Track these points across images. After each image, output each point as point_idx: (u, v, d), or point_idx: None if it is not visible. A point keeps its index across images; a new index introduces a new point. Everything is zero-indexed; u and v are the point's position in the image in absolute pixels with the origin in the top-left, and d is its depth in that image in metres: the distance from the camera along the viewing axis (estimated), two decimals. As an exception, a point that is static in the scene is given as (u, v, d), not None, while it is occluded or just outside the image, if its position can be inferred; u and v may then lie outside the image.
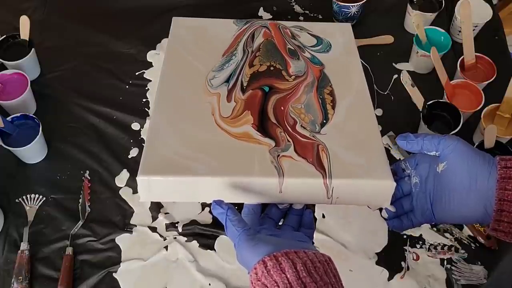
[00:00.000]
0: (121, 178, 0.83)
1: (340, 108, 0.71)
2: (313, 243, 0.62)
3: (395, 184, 0.62)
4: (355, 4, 0.98)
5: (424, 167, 0.62)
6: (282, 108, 0.70)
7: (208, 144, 0.64)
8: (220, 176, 0.61)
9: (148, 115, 0.89)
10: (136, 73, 0.95)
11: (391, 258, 0.76)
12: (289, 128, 0.68)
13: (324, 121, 0.69)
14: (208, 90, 0.72)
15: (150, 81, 0.94)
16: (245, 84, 0.74)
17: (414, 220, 0.63)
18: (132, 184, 0.82)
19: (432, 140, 0.60)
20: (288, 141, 0.66)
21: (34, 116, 0.81)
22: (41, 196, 0.80)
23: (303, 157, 0.64)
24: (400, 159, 0.86)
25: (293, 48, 0.81)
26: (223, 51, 0.79)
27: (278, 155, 0.64)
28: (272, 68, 0.77)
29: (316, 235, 0.76)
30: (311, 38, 0.83)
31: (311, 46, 0.81)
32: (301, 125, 0.68)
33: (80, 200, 0.80)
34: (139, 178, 0.61)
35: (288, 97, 0.72)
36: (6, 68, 0.89)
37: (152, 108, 0.69)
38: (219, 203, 0.57)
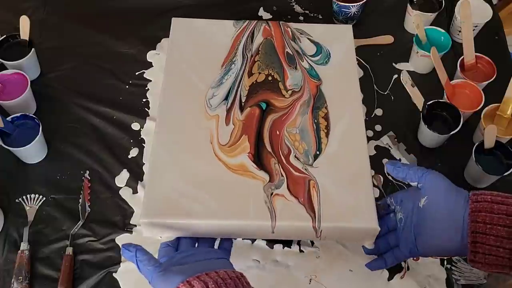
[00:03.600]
0: (121, 178, 0.83)
1: (334, 136, 0.74)
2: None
3: (379, 228, 0.66)
4: (355, 4, 0.98)
5: (408, 203, 0.66)
6: (277, 132, 0.73)
7: (207, 179, 0.68)
8: (217, 219, 0.65)
9: (148, 115, 0.89)
10: (136, 73, 0.95)
11: (391, 258, 0.76)
12: (283, 159, 0.71)
13: (318, 152, 0.72)
14: (207, 113, 0.75)
15: (150, 81, 0.94)
16: (243, 100, 0.76)
17: (399, 254, 0.67)
18: (132, 184, 0.82)
19: (417, 172, 0.64)
20: (282, 175, 0.69)
21: (34, 116, 0.81)
22: (41, 196, 0.80)
23: (295, 196, 0.67)
24: (400, 159, 0.86)
25: (291, 53, 0.81)
26: (222, 59, 0.81)
27: (272, 193, 0.67)
28: (270, 78, 0.79)
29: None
30: (311, 45, 0.83)
31: (310, 56, 0.82)
32: (295, 156, 0.71)
33: (80, 200, 0.80)
34: (142, 221, 0.65)
35: (284, 118, 0.75)
36: (6, 68, 0.89)
37: (153, 136, 0.73)
38: (127, 246, 0.60)
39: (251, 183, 0.68)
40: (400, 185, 0.83)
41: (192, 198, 0.66)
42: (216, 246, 0.69)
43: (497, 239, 0.57)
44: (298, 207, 0.66)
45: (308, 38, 0.84)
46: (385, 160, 0.85)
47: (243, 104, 0.76)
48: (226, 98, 0.76)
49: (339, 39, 0.84)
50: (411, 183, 0.66)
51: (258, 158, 0.71)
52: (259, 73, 0.79)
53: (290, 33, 0.85)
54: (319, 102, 0.77)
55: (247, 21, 0.86)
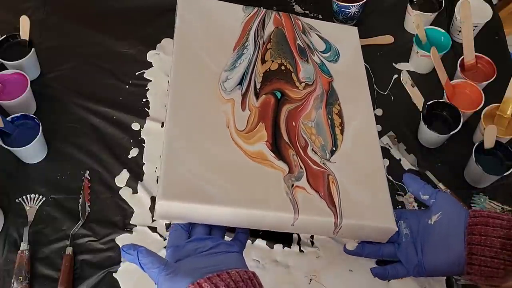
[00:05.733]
0: (121, 178, 0.83)
1: (348, 134, 0.73)
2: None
3: (396, 229, 0.65)
4: (355, 4, 0.98)
5: (414, 220, 0.66)
6: (293, 123, 0.71)
7: (225, 164, 0.64)
8: (237, 207, 0.61)
9: (148, 115, 0.89)
10: (136, 73, 0.95)
11: (391, 258, 0.76)
12: (301, 151, 0.69)
13: (334, 149, 0.70)
14: (222, 96, 0.71)
15: (150, 81, 0.94)
16: (258, 86, 0.74)
17: (402, 271, 0.66)
18: (132, 184, 0.82)
19: (430, 188, 0.66)
20: (301, 167, 0.67)
21: (34, 116, 0.81)
22: (41, 196, 0.80)
23: (316, 190, 0.65)
24: (400, 159, 0.86)
25: (302, 46, 0.80)
26: (234, 42, 0.78)
27: (292, 185, 0.65)
28: (283, 68, 0.77)
29: (316, 235, 0.76)
30: (320, 41, 0.83)
31: (320, 51, 0.81)
32: (312, 149, 0.69)
33: (80, 200, 0.80)
34: (159, 203, 0.59)
35: (299, 110, 0.73)
36: (6, 68, 0.89)
37: (166, 116, 0.68)
38: (126, 249, 0.55)
39: (270, 173, 0.65)
40: (400, 185, 0.83)
41: (212, 184, 0.62)
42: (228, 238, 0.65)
43: (491, 249, 0.58)
44: (320, 201, 0.64)
45: (317, 34, 0.84)
46: (385, 161, 0.86)
47: (258, 90, 0.73)
48: (241, 83, 0.73)
49: (346, 40, 0.84)
50: (422, 197, 0.66)
51: (276, 147, 0.68)
52: (272, 61, 0.77)
53: (301, 26, 0.84)
54: (331, 98, 0.76)
55: (257, 8, 0.84)
